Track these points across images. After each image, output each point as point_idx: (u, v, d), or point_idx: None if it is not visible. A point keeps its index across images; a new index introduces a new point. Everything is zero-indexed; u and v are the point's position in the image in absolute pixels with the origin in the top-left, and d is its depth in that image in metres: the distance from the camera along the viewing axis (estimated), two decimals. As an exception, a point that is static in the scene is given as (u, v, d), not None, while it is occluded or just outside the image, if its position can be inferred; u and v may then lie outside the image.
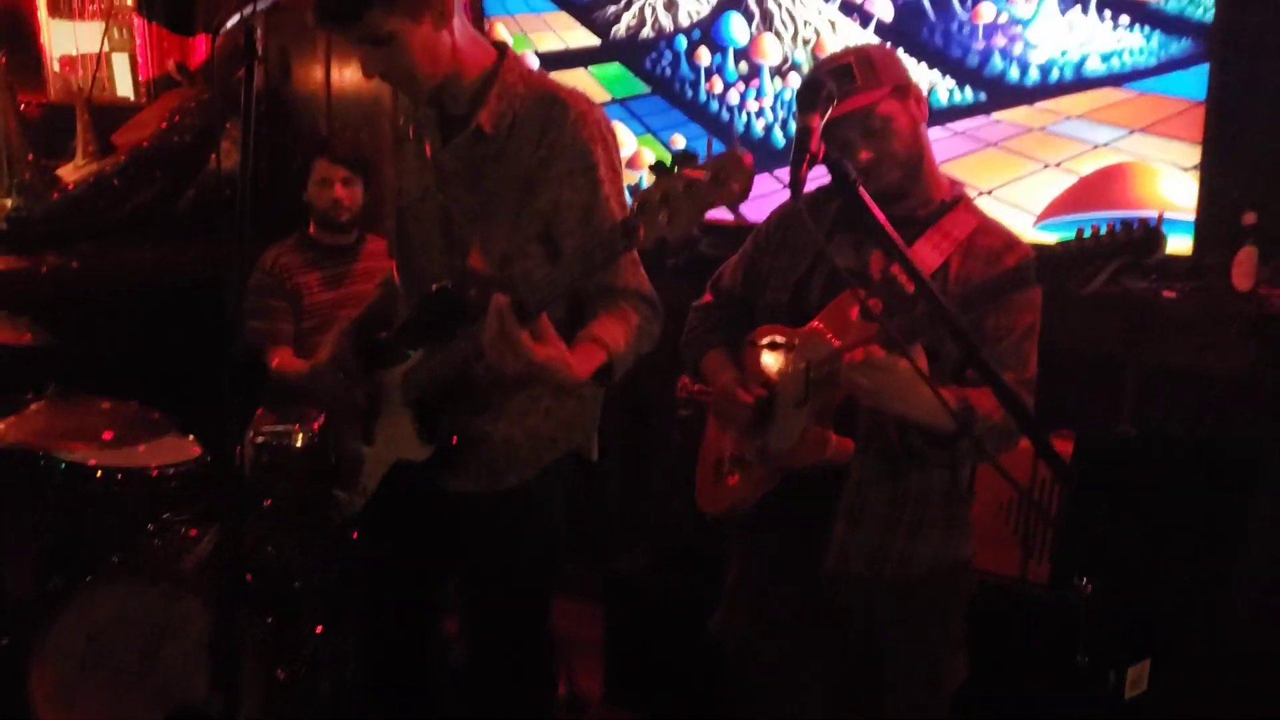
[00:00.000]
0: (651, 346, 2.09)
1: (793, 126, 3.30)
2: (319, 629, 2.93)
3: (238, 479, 2.08)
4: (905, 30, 3.24)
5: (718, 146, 1.63)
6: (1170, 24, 2.87)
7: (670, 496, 3.69)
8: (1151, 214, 1.67)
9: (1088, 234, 1.68)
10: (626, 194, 2.08)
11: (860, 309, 1.96)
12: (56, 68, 4.80)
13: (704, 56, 3.67)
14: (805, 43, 3.45)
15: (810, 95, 1.94)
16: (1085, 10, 2.97)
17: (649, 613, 3.30)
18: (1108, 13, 2.94)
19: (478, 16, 4.02)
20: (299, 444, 2.97)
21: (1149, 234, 1.63)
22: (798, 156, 1.82)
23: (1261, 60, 2.85)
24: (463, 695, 2.35)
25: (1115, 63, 2.96)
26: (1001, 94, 3.14)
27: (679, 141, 3.77)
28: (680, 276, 2.25)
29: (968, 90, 3.18)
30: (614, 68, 3.87)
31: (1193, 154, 2.86)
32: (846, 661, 2.26)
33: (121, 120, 4.53)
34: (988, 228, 2.08)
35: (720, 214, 1.74)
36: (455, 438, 2.11)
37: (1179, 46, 2.87)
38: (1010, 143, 3.14)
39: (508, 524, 2.18)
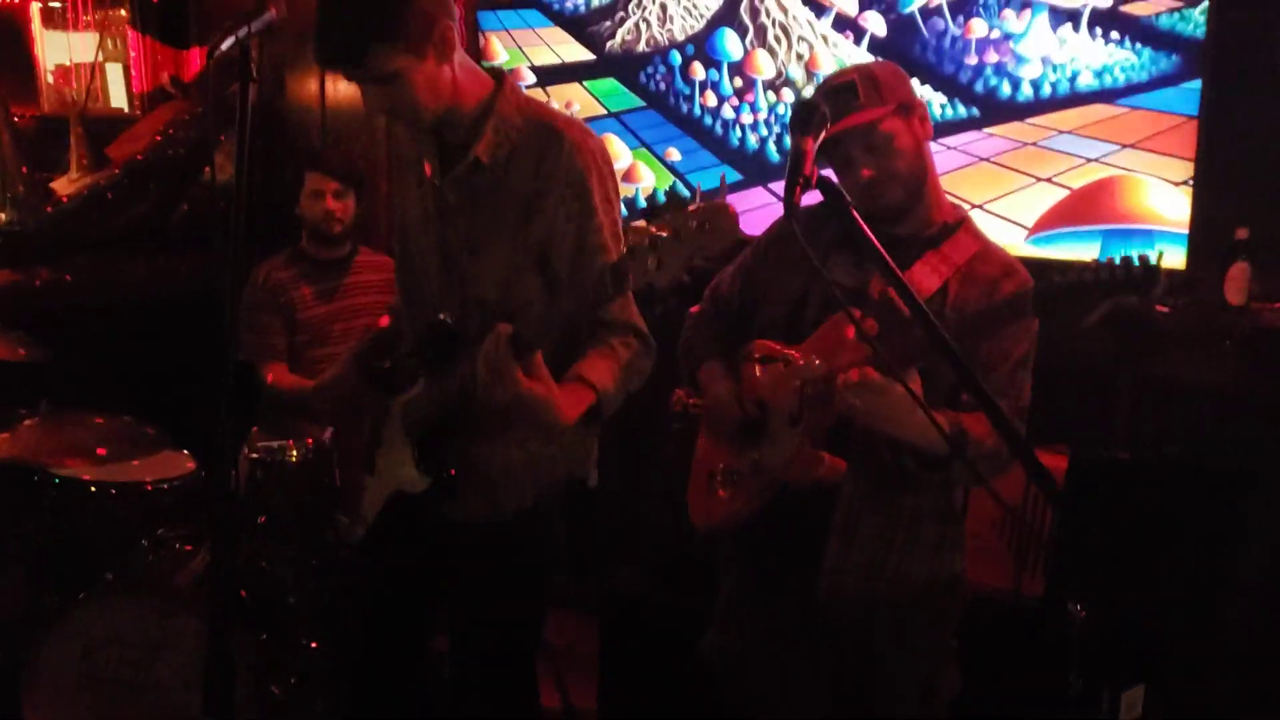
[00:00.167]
0: (641, 383, 2.10)
1: (787, 140, 3.31)
2: (313, 644, 2.92)
3: (232, 495, 2.08)
4: (898, 46, 3.26)
5: (732, 175, 1.63)
6: (1161, 40, 2.89)
7: (666, 509, 3.68)
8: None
9: (1088, 263, 1.69)
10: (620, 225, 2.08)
11: (855, 331, 1.96)
12: (50, 79, 4.80)
13: (698, 71, 3.68)
14: (799, 58, 3.46)
15: (804, 117, 1.93)
16: (1076, 27, 2.99)
17: (645, 626, 3.29)
18: (1099, 29, 2.96)
19: (473, 32, 4.03)
20: (294, 460, 2.96)
21: (1148, 270, 1.63)
22: (791, 180, 1.82)
23: (1252, 76, 2.86)
24: (453, 710, 2.35)
25: (1107, 78, 2.97)
26: (994, 109, 3.16)
27: (674, 155, 3.78)
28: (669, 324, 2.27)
29: (960, 106, 3.20)
30: (609, 82, 3.88)
31: (1185, 169, 2.88)
32: (839, 678, 2.26)
33: (116, 132, 4.52)
34: (988, 254, 2.07)
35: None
36: (453, 470, 2.11)
37: (1170, 62, 2.89)
38: (1003, 158, 3.16)
39: (503, 553, 2.18)
